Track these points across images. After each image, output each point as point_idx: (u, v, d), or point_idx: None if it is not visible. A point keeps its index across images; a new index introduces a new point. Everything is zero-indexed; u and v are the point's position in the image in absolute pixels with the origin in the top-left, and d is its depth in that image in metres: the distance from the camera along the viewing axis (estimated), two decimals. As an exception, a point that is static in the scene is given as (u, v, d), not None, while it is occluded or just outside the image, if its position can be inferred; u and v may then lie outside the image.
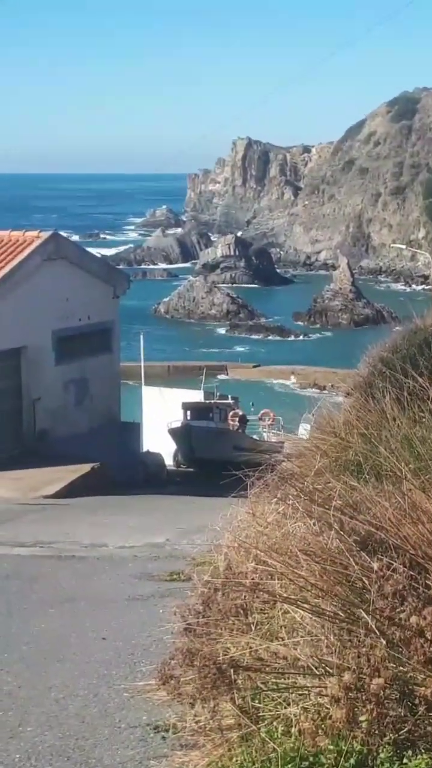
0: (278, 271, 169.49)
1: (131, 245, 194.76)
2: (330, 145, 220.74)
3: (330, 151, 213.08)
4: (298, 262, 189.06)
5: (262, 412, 38.75)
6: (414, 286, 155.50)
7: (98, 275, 28.65)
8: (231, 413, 37.94)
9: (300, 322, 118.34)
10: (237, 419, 34.73)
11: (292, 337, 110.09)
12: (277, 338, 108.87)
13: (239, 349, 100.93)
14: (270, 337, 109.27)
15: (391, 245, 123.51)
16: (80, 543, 11.72)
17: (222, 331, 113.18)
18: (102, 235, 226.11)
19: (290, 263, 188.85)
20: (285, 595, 4.45)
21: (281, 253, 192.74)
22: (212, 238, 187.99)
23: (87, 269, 28.22)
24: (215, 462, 27.78)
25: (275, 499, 5.97)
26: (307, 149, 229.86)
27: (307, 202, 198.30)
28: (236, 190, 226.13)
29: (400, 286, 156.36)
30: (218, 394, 35.64)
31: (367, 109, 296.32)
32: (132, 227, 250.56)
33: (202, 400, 33.50)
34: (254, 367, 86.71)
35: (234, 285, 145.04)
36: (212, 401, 33.52)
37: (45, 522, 14.21)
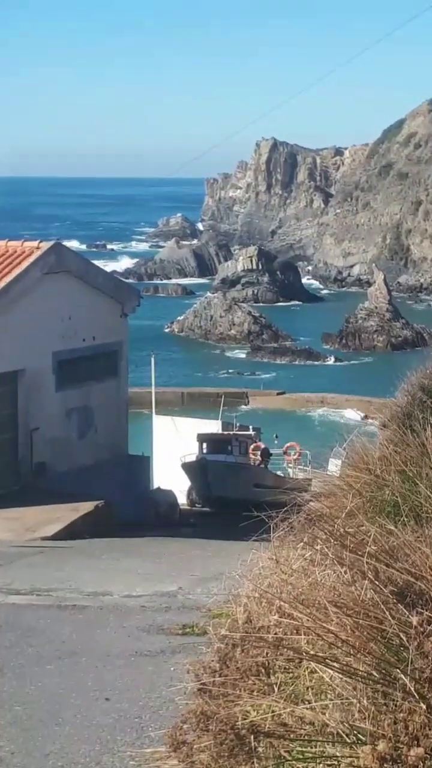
0: (306, 287, 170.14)
1: (142, 257, 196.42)
2: (365, 147, 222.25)
3: (365, 154, 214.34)
4: (329, 278, 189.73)
5: (286, 445, 38.76)
6: None
7: (105, 291, 28.66)
8: (252, 446, 37.94)
9: (330, 345, 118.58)
10: (259, 453, 34.79)
11: (321, 362, 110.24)
12: (305, 362, 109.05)
13: (262, 374, 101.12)
14: (296, 362, 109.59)
15: None
16: (82, 591, 11.75)
17: (242, 354, 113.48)
18: (109, 246, 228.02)
19: (320, 278, 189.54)
20: (312, 652, 4.45)
21: (310, 267, 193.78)
22: (232, 250, 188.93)
23: (92, 284, 28.22)
24: (234, 501, 27.95)
25: (302, 544, 5.98)
26: (339, 152, 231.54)
27: (339, 211, 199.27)
28: (260, 197, 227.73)
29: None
30: (238, 424, 35.79)
31: (406, 107, 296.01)
32: (143, 237, 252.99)
33: (220, 431, 33.72)
34: (278, 394, 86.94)
35: (257, 303, 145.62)
36: (231, 432, 33.75)
37: (43, 567, 14.25)
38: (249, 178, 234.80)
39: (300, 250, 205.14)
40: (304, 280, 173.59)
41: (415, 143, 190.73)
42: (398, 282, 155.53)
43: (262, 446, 37.66)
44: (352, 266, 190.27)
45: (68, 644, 9.24)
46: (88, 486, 23.78)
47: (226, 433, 33.71)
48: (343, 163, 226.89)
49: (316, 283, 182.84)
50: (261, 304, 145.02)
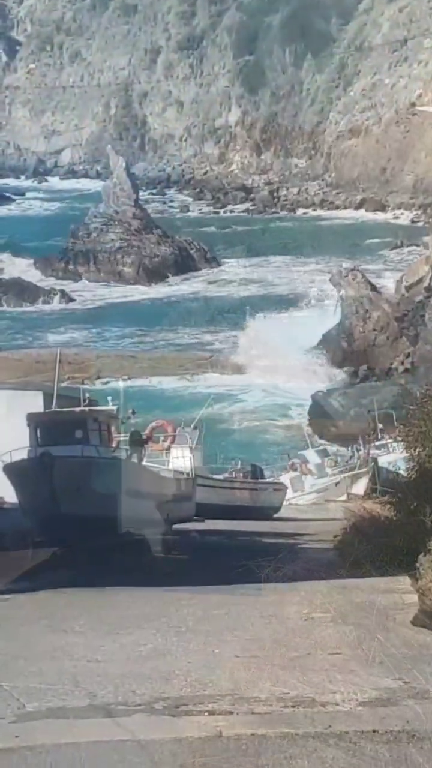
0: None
1: None
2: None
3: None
4: (24, 169, 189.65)
5: (150, 426, 39.75)
6: (233, 205, 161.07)
7: None
8: (150, 427, 38.63)
9: (49, 273, 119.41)
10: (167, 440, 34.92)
11: (43, 302, 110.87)
12: (18, 307, 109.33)
13: None
14: (4, 305, 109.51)
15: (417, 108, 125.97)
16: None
17: None
18: None
19: (10, 171, 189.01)
20: None
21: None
22: None
23: None
24: (92, 521, 28.48)
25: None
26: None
27: (32, 66, 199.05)
28: None
29: (198, 207, 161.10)
30: (87, 395, 35.57)
31: None
32: None
33: (58, 408, 33.02)
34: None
35: None
36: (85, 408, 33.18)
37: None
38: None
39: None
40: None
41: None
42: (133, 173, 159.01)
43: (168, 427, 38.53)
44: (59, 151, 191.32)
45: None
46: None
47: (77, 410, 33.08)
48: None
49: (5, 180, 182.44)
50: None
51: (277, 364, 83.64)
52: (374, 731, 10.54)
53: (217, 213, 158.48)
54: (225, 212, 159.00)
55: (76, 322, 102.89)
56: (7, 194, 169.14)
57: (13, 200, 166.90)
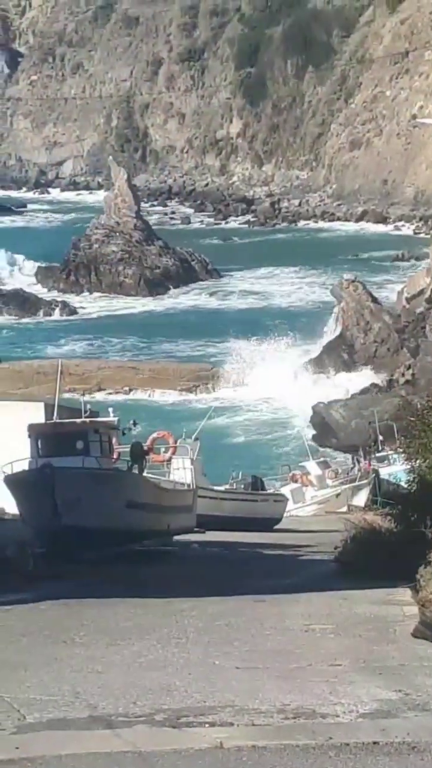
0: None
1: None
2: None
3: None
4: (26, 181, 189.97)
5: (152, 436, 39.72)
6: (235, 217, 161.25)
7: None
8: (151, 438, 38.49)
9: (50, 285, 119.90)
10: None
11: (44, 313, 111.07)
12: (16, 318, 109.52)
13: None
14: (5, 316, 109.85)
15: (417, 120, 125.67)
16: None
17: None
18: None
19: (12, 182, 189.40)
20: None
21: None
22: None
23: None
24: (96, 533, 28.52)
25: None
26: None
27: (35, 78, 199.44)
28: None
29: (199, 218, 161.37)
30: (89, 407, 35.60)
31: None
32: None
33: (60, 420, 33.05)
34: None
35: None
36: (87, 419, 33.22)
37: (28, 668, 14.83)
38: None
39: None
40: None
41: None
42: (134, 184, 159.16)
43: (169, 438, 38.42)
44: (61, 163, 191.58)
45: None
46: None
47: (77, 421, 33.13)
48: (30, 5, 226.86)
49: (7, 192, 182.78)
50: None
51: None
52: (375, 743, 10.54)
53: (218, 224, 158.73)
54: (227, 223, 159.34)
55: (77, 332, 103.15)
56: (8, 206, 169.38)
57: (20, 213, 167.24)
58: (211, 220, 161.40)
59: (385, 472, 57.37)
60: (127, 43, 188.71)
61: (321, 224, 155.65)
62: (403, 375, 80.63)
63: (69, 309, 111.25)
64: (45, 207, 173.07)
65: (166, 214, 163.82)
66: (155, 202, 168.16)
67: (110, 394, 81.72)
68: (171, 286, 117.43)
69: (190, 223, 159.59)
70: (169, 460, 40.55)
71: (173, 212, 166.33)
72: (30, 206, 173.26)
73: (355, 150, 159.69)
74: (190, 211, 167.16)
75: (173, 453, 40.92)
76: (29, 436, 30.99)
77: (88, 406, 35.31)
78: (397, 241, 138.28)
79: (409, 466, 29.00)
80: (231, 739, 10.73)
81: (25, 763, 9.98)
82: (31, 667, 14.51)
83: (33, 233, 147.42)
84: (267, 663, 14.76)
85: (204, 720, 11.54)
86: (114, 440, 33.07)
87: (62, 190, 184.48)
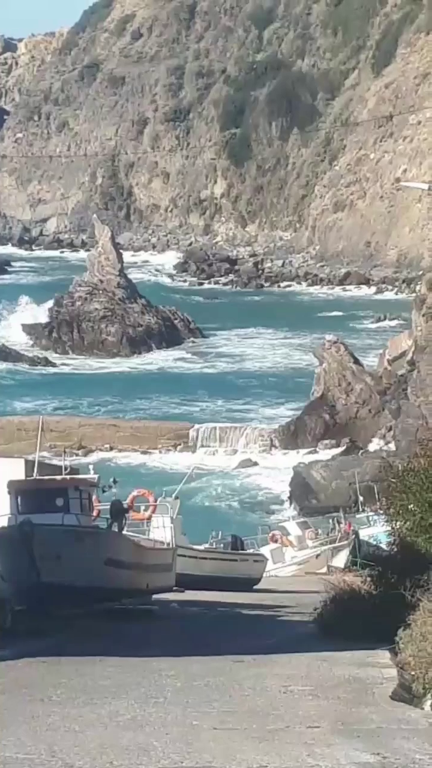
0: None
1: None
2: (49, 38, 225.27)
3: (53, 49, 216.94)
4: (10, 238, 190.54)
5: (131, 494, 39.70)
6: (219, 278, 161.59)
7: None
8: (132, 496, 38.38)
9: (33, 342, 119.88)
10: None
11: (27, 367, 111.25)
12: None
13: None
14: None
15: (401, 184, 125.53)
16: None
17: None
18: None
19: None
20: None
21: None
22: None
23: None
24: (74, 591, 28.43)
25: None
26: (10, 45, 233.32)
27: (20, 135, 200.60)
28: None
29: (182, 277, 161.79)
30: (68, 464, 35.58)
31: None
32: None
33: (38, 477, 33.06)
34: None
35: None
36: (66, 477, 33.25)
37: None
38: None
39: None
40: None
41: (134, 31, 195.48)
42: (118, 243, 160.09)
43: (149, 496, 38.29)
44: (45, 220, 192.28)
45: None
46: None
47: (58, 478, 33.16)
48: (17, 63, 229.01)
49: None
50: None
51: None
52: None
53: (201, 284, 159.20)
54: (210, 283, 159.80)
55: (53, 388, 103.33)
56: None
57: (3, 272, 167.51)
58: (195, 279, 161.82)
59: (365, 533, 57.29)
60: (112, 102, 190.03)
61: (303, 285, 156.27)
62: (383, 437, 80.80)
63: (51, 365, 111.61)
64: (30, 264, 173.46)
65: (146, 272, 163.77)
66: (140, 261, 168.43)
67: (90, 452, 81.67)
68: (153, 345, 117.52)
69: (173, 281, 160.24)
70: (149, 518, 40.53)
71: (157, 270, 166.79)
72: (14, 263, 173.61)
73: (339, 212, 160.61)
74: (173, 270, 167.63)
75: (153, 511, 40.89)
76: (8, 493, 31.00)
77: (68, 464, 35.32)
78: (379, 303, 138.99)
79: (389, 528, 29.01)
80: (209, 800, 10.71)
81: None
82: (7, 724, 14.44)
83: (18, 290, 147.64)
84: (245, 724, 14.71)
85: (181, 780, 11.51)
86: (94, 498, 33.10)
87: (46, 248, 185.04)
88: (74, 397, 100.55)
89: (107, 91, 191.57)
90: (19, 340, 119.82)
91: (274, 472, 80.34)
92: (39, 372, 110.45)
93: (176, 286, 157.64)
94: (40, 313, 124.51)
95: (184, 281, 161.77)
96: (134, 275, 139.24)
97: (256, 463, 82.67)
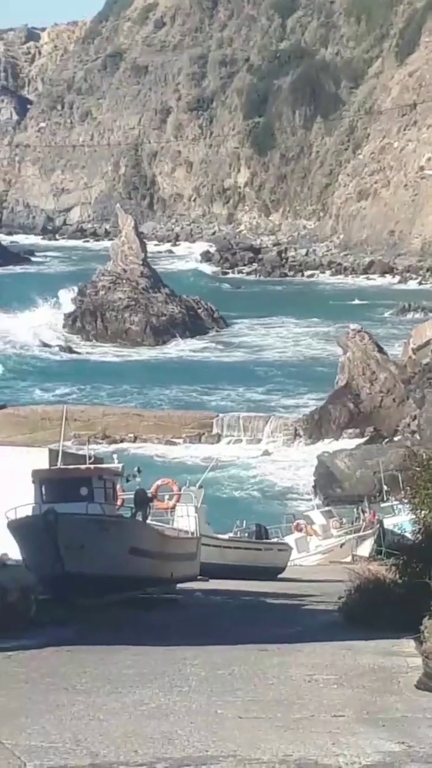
0: (3, 243, 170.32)
1: None
2: (72, 27, 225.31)
3: (76, 38, 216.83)
4: (34, 227, 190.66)
5: (156, 484, 39.73)
6: (242, 268, 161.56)
7: None
8: (156, 486, 38.51)
9: (56, 332, 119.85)
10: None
11: (49, 356, 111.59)
12: (20, 360, 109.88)
13: None
14: (12, 359, 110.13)
15: (425, 172, 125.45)
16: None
17: None
18: None
19: (19, 228, 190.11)
20: None
21: (2, 212, 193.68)
22: None
23: None
24: (99, 580, 28.47)
25: None
26: (33, 34, 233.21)
27: (43, 125, 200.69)
28: None
29: (200, 265, 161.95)
30: (92, 453, 35.57)
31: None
32: None
33: (64, 466, 33.04)
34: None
35: None
36: (91, 466, 33.20)
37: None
38: None
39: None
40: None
41: (156, 20, 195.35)
42: (141, 232, 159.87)
43: (173, 485, 38.30)
44: (68, 209, 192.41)
45: None
46: None
47: (81, 467, 33.14)
48: (40, 53, 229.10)
49: (15, 238, 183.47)
50: None
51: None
52: (378, 795, 10.49)
53: (226, 273, 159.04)
54: (233, 272, 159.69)
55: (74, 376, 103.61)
56: (17, 252, 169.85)
57: (27, 260, 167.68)
58: (218, 268, 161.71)
59: (389, 522, 57.20)
60: (135, 91, 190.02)
61: (327, 274, 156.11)
62: (408, 425, 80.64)
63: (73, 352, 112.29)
64: (53, 253, 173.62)
65: (170, 260, 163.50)
66: (163, 250, 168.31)
67: (114, 441, 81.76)
68: (177, 334, 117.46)
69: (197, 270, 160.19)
70: (174, 507, 40.57)
71: (179, 257, 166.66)
72: (38, 253, 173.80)
73: (363, 200, 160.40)
74: (198, 256, 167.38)
75: (177, 500, 40.94)
76: (33, 482, 31.04)
77: (93, 453, 35.34)
78: (403, 292, 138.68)
79: (414, 517, 28.92)
80: (234, 789, 10.68)
81: None
82: (32, 713, 14.42)
83: (42, 278, 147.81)
84: (269, 713, 14.68)
85: (207, 769, 11.49)
86: (118, 487, 33.13)
87: (69, 237, 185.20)
88: (97, 386, 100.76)
89: (130, 80, 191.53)
90: (44, 330, 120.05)
91: (298, 461, 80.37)
92: (63, 359, 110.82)
93: (201, 274, 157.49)
94: (64, 305, 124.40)
95: (216, 271, 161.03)
96: (161, 265, 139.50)
97: (269, 453, 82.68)
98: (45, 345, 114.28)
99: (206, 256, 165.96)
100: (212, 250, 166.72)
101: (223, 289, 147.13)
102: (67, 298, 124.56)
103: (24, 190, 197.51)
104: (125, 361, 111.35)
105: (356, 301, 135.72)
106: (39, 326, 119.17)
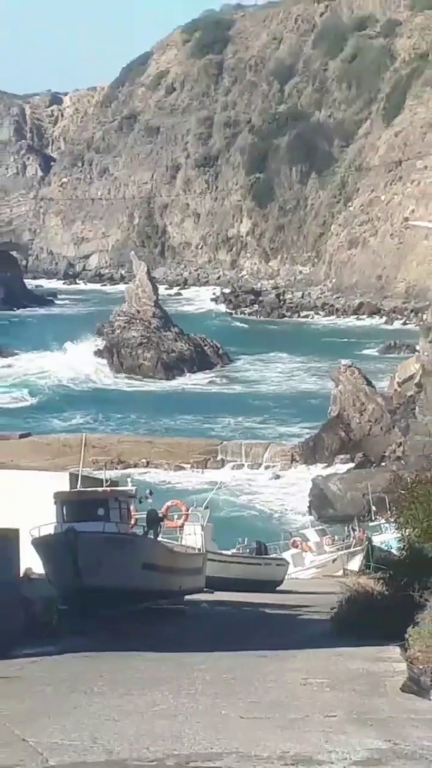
0: (29, 287, 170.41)
1: None
2: (92, 92, 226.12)
3: (95, 102, 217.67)
4: (56, 273, 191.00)
5: (166, 504, 39.70)
6: (244, 309, 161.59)
7: None
8: (166, 506, 38.40)
9: (83, 365, 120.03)
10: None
11: (72, 386, 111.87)
12: (45, 393, 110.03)
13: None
14: (43, 391, 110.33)
15: (409, 223, 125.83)
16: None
17: None
18: None
19: (43, 274, 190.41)
20: None
21: (28, 259, 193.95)
22: None
23: None
24: (114, 592, 28.37)
25: None
26: (56, 98, 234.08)
27: (65, 180, 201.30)
28: None
29: (216, 306, 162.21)
30: (109, 478, 35.62)
31: (152, 37, 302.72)
32: None
33: (81, 488, 33.07)
34: (22, 436, 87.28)
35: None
36: (107, 489, 33.27)
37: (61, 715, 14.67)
38: None
39: (10, 235, 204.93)
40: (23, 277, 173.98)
41: (167, 86, 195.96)
42: (153, 276, 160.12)
43: (182, 506, 38.15)
44: (88, 256, 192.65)
45: None
46: None
47: (99, 490, 33.18)
48: (62, 115, 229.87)
49: (39, 282, 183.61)
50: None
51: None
52: (366, 789, 10.47)
53: (230, 314, 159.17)
54: (237, 313, 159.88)
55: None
56: (41, 295, 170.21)
57: (51, 302, 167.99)
58: (222, 308, 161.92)
59: (377, 539, 57.08)
60: (148, 150, 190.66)
61: (321, 315, 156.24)
62: (394, 452, 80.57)
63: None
64: (74, 297, 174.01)
65: (178, 302, 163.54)
66: (173, 293, 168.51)
67: (128, 466, 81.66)
68: (185, 369, 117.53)
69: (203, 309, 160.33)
70: (182, 526, 40.47)
71: (189, 301, 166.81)
72: (60, 296, 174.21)
73: (353, 248, 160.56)
74: (202, 298, 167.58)
75: (185, 520, 40.84)
76: (55, 503, 31.00)
77: (109, 477, 35.36)
78: (389, 331, 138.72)
79: (399, 535, 28.92)
80: (235, 783, 10.67)
81: (48, 803, 9.94)
82: (53, 714, 14.42)
83: (63, 319, 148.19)
84: (268, 713, 14.67)
85: (211, 765, 11.47)
86: (132, 508, 33.07)
87: (88, 282, 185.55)
88: (113, 414, 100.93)
89: (144, 139, 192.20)
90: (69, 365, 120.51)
91: (295, 484, 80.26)
92: (83, 390, 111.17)
93: (220, 314, 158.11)
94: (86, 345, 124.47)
95: (222, 311, 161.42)
96: (172, 306, 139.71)
97: (278, 477, 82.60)
98: (70, 379, 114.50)
99: (223, 298, 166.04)
100: (226, 291, 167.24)
101: (233, 327, 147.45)
102: (88, 340, 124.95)
103: (48, 239, 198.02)
104: (136, 391, 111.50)
105: (347, 339, 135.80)
106: (65, 363, 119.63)
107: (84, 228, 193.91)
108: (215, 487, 54.30)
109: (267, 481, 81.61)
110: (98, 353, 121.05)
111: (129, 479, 35.94)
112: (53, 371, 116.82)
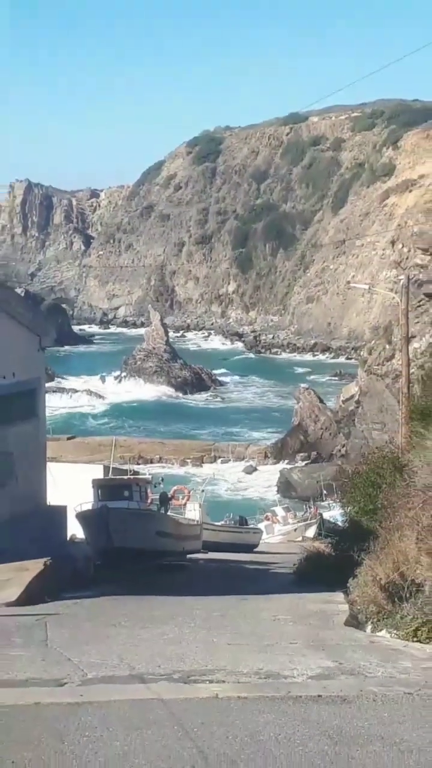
0: (75, 330, 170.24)
1: None
2: (121, 189, 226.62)
3: (122, 196, 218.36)
4: (94, 320, 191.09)
5: (173, 488, 39.62)
6: (229, 343, 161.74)
7: (22, 321, 24.62)
8: (173, 490, 38.43)
9: (109, 386, 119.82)
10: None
11: (100, 401, 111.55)
12: (85, 403, 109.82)
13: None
14: (78, 403, 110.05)
15: (351, 285, 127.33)
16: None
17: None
18: None
19: (84, 320, 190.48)
20: None
21: (74, 309, 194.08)
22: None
23: (10, 312, 23.91)
24: (136, 551, 28.28)
25: None
26: (95, 193, 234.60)
27: (101, 252, 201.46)
28: (16, 239, 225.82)
29: (214, 344, 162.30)
30: (132, 468, 35.70)
31: (164, 149, 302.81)
32: None
33: (112, 476, 33.19)
34: (69, 439, 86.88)
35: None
36: (131, 477, 33.37)
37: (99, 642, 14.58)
38: (4, 220, 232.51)
39: (62, 292, 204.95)
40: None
41: (175, 185, 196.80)
42: (165, 323, 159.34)
43: (185, 490, 38.42)
44: (117, 308, 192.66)
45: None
46: (3, 542, 22.96)
47: (124, 477, 33.24)
48: (99, 205, 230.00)
49: (81, 326, 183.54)
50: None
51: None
52: (319, 696, 10.44)
53: (220, 347, 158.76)
54: (230, 345, 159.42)
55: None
56: (83, 336, 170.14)
57: (91, 341, 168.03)
58: (217, 346, 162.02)
59: (327, 515, 57.02)
60: (161, 231, 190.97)
61: (286, 352, 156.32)
62: (339, 451, 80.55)
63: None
64: (107, 338, 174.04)
65: (182, 341, 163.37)
66: (179, 335, 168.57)
67: (146, 461, 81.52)
68: (188, 390, 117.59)
69: (199, 347, 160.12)
70: (185, 504, 40.43)
71: (188, 340, 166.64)
72: (96, 337, 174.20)
73: (310, 303, 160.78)
74: (200, 338, 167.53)
75: (188, 500, 40.81)
76: (93, 487, 31.09)
77: (132, 468, 35.41)
78: (336, 364, 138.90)
79: (343, 511, 28.88)
80: (224, 691, 10.63)
81: (87, 706, 9.90)
82: (91, 641, 14.34)
83: (99, 355, 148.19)
84: (247, 641, 14.61)
85: (206, 678, 11.42)
86: (148, 491, 33.07)
87: (117, 326, 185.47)
88: (132, 422, 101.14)
89: (158, 224, 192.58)
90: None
91: (267, 474, 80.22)
92: (109, 403, 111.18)
93: (205, 351, 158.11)
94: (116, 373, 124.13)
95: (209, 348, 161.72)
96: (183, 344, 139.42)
97: (255, 469, 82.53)
98: (101, 396, 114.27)
99: (229, 339, 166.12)
100: (224, 335, 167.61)
101: (217, 361, 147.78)
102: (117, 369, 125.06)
103: (88, 295, 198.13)
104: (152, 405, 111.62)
105: (305, 369, 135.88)
106: (101, 385, 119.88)
107: (114, 287, 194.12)
108: (209, 476, 54.21)
109: (246, 472, 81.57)
110: (122, 378, 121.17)
111: (146, 470, 35.91)
112: (94, 390, 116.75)
